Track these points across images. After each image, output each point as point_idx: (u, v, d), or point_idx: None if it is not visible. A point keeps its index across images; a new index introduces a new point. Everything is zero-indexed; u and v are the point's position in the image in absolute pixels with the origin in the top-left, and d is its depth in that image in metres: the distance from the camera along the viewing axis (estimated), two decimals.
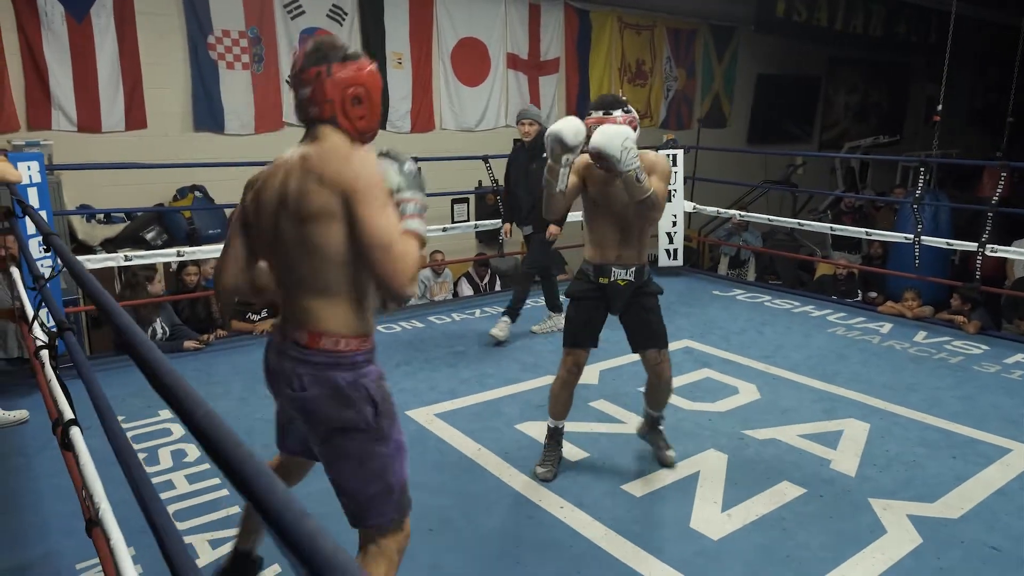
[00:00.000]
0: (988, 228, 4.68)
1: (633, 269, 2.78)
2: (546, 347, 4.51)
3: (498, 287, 6.52)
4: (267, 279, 1.72)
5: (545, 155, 4.06)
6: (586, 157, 2.73)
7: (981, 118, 10.04)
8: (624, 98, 2.76)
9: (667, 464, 2.97)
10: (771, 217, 6.28)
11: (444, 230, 5.86)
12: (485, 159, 5.59)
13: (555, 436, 2.97)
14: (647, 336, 2.81)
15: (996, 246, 4.75)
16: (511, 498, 2.80)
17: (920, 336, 4.72)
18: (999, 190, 4.69)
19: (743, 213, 6.45)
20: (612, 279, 2.77)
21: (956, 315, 4.96)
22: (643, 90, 8.68)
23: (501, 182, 6.04)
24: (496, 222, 5.98)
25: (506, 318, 4.65)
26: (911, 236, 5.00)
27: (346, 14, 6.45)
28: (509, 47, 7.48)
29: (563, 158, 2.58)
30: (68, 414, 1.78)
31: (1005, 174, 4.70)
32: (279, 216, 1.55)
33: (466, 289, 6.47)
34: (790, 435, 3.28)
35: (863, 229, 5.81)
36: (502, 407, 3.62)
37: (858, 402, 3.67)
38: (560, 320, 4.48)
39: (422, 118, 6.98)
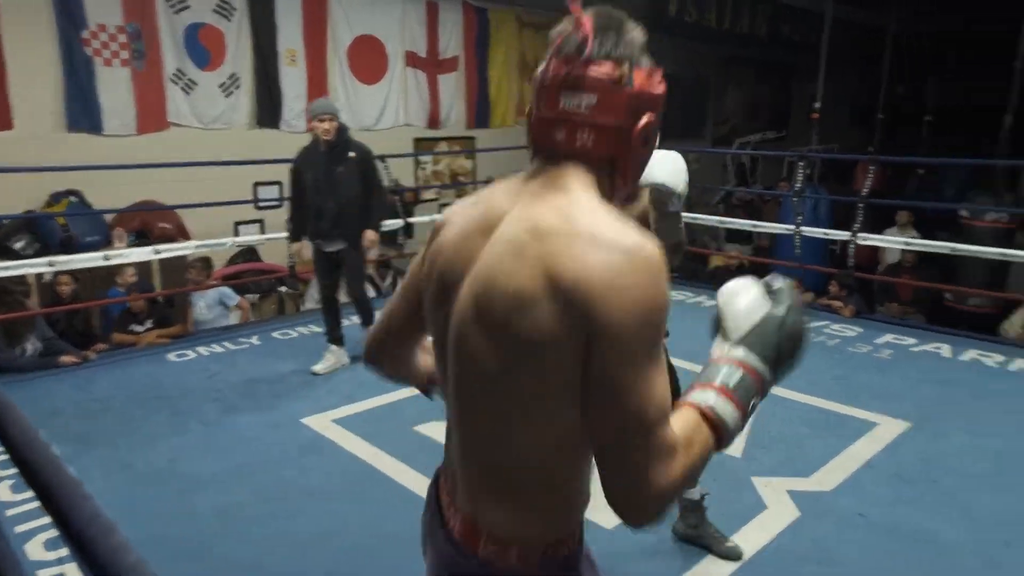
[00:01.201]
0: (860, 218, 5.01)
1: None
2: None
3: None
4: (418, 371, 1.23)
5: (352, 155, 3.96)
6: None
7: (862, 117, 10.72)
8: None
9: (735, 557, 2.38)
10: None
11: None
12: (383, 158, 5.51)
13: None
14: None
15: (867, 234, 5.08)
16: (409, 501, 2.78)
17: None
18: (868, 183, 5.02)
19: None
20: None
21: (834, 300, 5.28)
22: None
23: (393, 182, 5.98)
24: (397, 222, 5.92)
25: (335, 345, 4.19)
26: (792, 227, 5.28)
27: (235, 9, 6.21)
28: (407, 45, 7.40)
29: (667, 205, 2.06)
30: None
31: (874, 168, 5.04)
32: (466, 318, 0.92)
33: (368, 292, 6.37)
34: None
35: (749, 222, 6.09)
36: (401, 409, 3.59)
37: None
38: (344, 355, 4.22)
39: None
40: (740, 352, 0.95)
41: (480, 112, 8.15)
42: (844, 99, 10.52)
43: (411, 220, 5.79)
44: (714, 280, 6.88)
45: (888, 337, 4.66)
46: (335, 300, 4.25)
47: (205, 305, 5.15)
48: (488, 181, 8.27)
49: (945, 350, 4.40)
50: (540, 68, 0.94)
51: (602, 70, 0.90)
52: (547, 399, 0.88)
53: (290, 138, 6.52)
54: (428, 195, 7.85)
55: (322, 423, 3.44)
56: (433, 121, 7.73)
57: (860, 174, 8.26)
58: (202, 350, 4.45)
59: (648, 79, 0.93)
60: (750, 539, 2.48)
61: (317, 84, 6.77)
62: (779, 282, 1.00)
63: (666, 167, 2.01)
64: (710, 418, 0.91)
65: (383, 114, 7.30)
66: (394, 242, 6.29)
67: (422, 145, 7.72)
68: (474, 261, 0.93)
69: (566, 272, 0.83)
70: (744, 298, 0.98)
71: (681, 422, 0.89)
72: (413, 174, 7.73)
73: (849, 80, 10.38)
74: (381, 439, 3.25)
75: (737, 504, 2.71)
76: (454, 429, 1.01)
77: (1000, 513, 2.62)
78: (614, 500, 0.87)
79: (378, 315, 1.21)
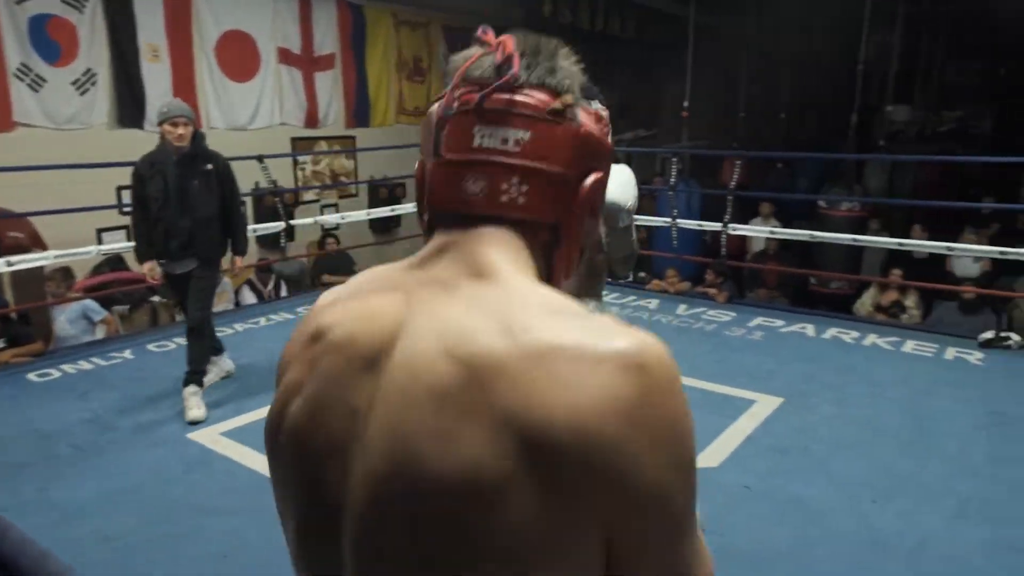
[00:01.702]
0: (729, 210, 5.34)
1: None
2: None
3: (284, 292, 6.25)
4: None
5: (210, 167, 3.50)
6: None
7: (725, 114, 11.41)
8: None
9: None
10: None
11: None
12: (260, 159, 5.31)
13: None
14: None
15: (736, 225, 5.43)
16: None
17: (682, 309, 5.27)
18: (736, 177, 5.36)
19: None
20: None
21: (709, 288, 5.60)
22: (422, 87, 8.73)
23: (271, 183, 5.76)
24: (278, 225, 5.72)
25: (194, 387, 3.52)
26: (669, 220, 5.55)
27: (86, 2, 5.77)
28: (280, 41, 7.13)
29: (617, 220, 1.94)
30: None
31: (740, 162, 5.38)
32: (370, 528, 0.57)
33: (249, 297, 6.11)
34: None
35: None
36: None
37: None
38: (227, 362, 3.96)
39: None
40: None
41: (359, 111, 8.01)
42: (709, 98, 11.16)
43: (293, 223, 5.59)
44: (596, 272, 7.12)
45: (759, 320, 5.00)
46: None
47: (67, 320, 4.77)
48: (370, 180, 8.15)
49: (809, 329, 4.77)
50: (436, 104, 0.67)
51: (537, 97, 0.63)
52: None
53: (155, 139, 6.13)
54: (309, 196, 7.63)
55: (211, 437, 3.28)
56: (311, 120, 7.51)
57: (727, 168, 8.82)
58: (68, 368, 4.11)
59: (597, 124, 0.66)
60: None
61: (183, 82, 6.41)
62: None
63: (613, 181, 1.95)
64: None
65: (257, 113, 7.01)
66: (276, 245, 6.06)
67: (300, 145, 7.49)
68: (361, 422, 0.57)
69: (548, 424, 0.51)
70: None
71: None
72: (292, 175, 7.49)
73: (713, 81, 11.02)
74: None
75: None
76: None
77: (865, 475, 2.89)
78: None
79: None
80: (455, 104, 0.64)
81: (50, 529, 2.55)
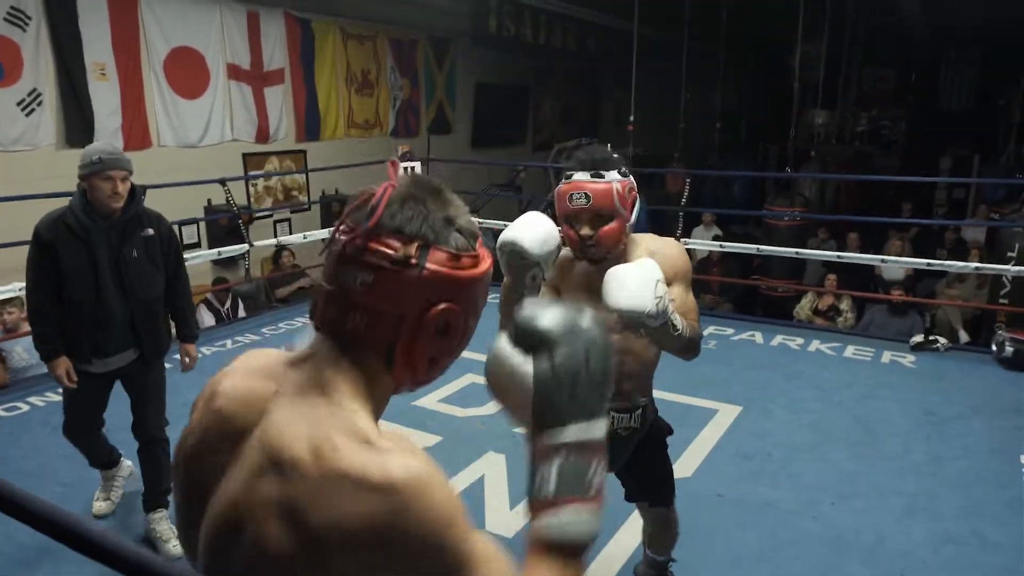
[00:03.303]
0: (681, 226, 5.65)
1: (639, 412, 1.99)
2: None
3: (241, 312, 6.22)
4: None
5: (151, 232, 2.66)
6: (563, 253, 1.87)
7: (660, 121, 11.86)
8: (616, 156, 1.83)
9: None
10: (504, 222, 6.84)
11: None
12: (223, 181, 5.30)
13: None
14: (649, 489, 2.14)
15: (687, 239, 5.75)
16: None
17: None
18: (686, 192, 5.66)
19: (481, 220, 6.91)
20: (613, 428, 1.91)
21: None
22: (371, 100, 8.78)
23: (231, 204, 5.73)
24: (242, 247, 5.66)
25: (163, 511, 2.87)
26: None
27: (29, 18, 5.61)
28: (229, 57, 7.07)
29: (527, 276, 1.75)
30: None
31: (689, 180, 5.70)
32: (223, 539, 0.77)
33: (207, 318, 6.07)
34: None
35: None
36: None
37: None
38: (124, 470, 3.07)
39: (135, 134, 6.34)
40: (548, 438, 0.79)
41: (310, 124, 8.00)
42: (648, 108, 11.57)
43: (256, 244, 5.60)
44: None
45: (711, 328, 5.29)
46: (100, 430, 2.92)
47: (24, 349, 4.67)
48: (323, 196, 8.16)
49: (758, 337, 5.10)
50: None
51: (383, 246, 0.76)
52: None
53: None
54: (261, 210, 7.58)
55: None
56: (262, 135, 7.47)
57: (672, 180, 9.21)
58: (36, 400, 4.05)
59: (452, 261, 0.78)
60: (630, 531, 2.80)
61: (132, 99, 6.30)
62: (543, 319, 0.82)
63: (526, 233, 1.73)
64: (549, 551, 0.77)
65: (208, 130, 6.94)
66: (234, 264, 6.04)
67: (251, 160, 7.44)
68: (220, 476, 0.78)
69: (327, 526, 0.68)
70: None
71: None
72: (245, 191, 7.43)
73: (652, 91, 11.44)
74: None
75: (614, 500, 3.03)
76: None
77: (822, 477, 3.18)
78: None
79: None
80: (332, 241, 0.81)
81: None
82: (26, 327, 4.54)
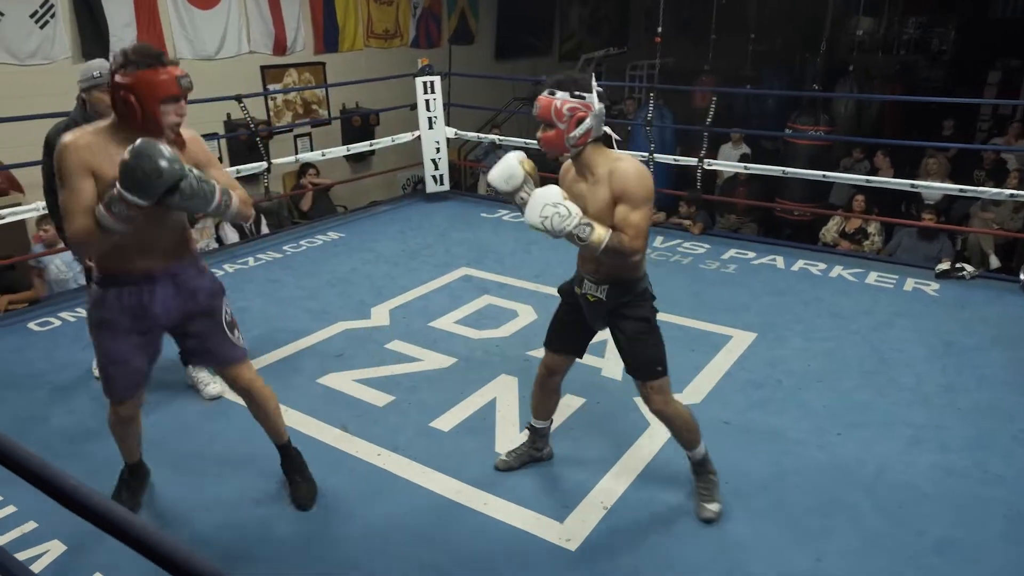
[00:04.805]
0: (705, 146, 5.49)
1: (606, 288, 2.35)
2: (331, 293, 4.53)
3: (265, 229, 6.27)
4: None
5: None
6: (566, 164, 2.38)
7: (689, 28, 11.32)
8: (590, 76, 2.23)
9: (700, 518, 2.51)
10: (526, 141, 6.69)
11: None
12: (239, 98, 5.24)
13: (531, 432, 2.80)
14: (628, 365, 2.44)
15: (711, 160, 5.60)
16: (324, 453, 2.92)
17: (658, 241, 5.47)
18: (711, 112, 5.47)
19: (501, 138, 6.77)
20: (583, 291, 2.41)
21: (684, 219, 5.80)
22: (390, 8, 8.50)
23: (250, 120, 5.62)
24: (260, 165, 5.62)
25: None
26: (646, 154, 5.67)
27: None
28: None
29: (516, 199, 2.23)
30: None
31: (716, 98, 5.49)
32: None
33: (232, 234, 6.14)
34: None
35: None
36: (299, 363, 3.65)
37: None
38: None
39: None
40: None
41: (328, 35, 7.81)
42: (677, 15, 11.03)
43: (275, 161, 5.57)
44: None
45: (732, 252, 5.23)
46: None
47: (63, 263, 4.77)
48: (343, 109, 8.04)
49: (779, 261, 5.03)
50: None
51: None
52: None
53: None
54: (282, 124, 7.51)
55: (223, 384, 3.43)
56: (279, 47, 7.33)
57: (701, 99, 8.88)
58: (67, 316, 4.18)
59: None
60: (641, 454, 2.87)
61: (146, 11, 6.19)
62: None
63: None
64: None
65: (224, 42, 6.82)
66: (255, 181, 6.05)
67: (270, 73, 7.33)
68: None
69: None
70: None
71: None
72: (264, 105, 7.36)
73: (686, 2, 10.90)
74: (286, 395, 3.29)
75: (624, 423, 3.09)
76: None
77: (832, 407, 3.20)
78: None
79: None
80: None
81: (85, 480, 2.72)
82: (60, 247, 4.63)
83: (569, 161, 2.35)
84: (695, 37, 10.74)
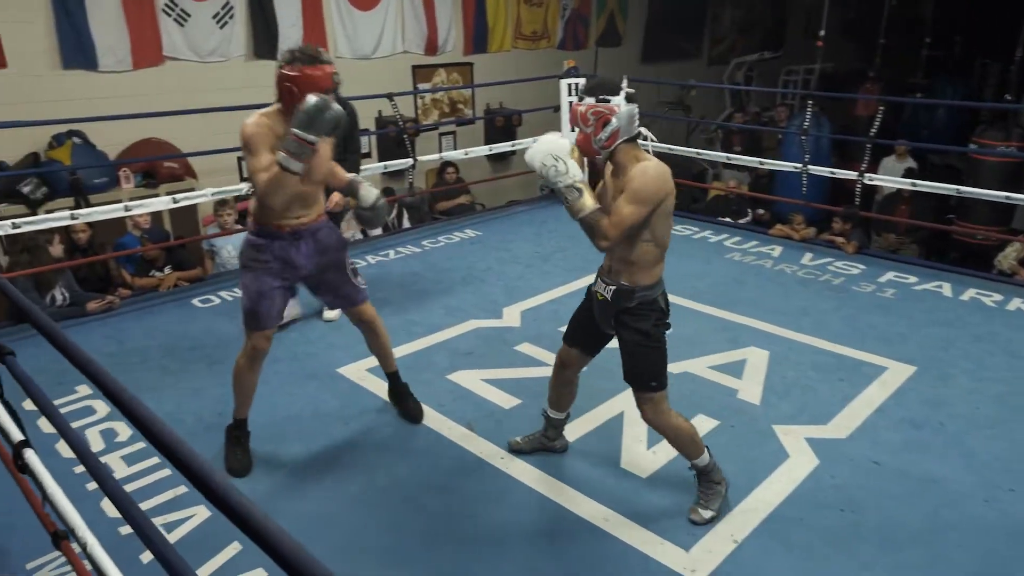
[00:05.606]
0: (867, 159, 5.08)
1: (613, 289, 2.39)
2: (465, 291, 4.60)
3: (406, 223, 6.48)
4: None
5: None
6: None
7: (854, 30, 10.57)
8: (621, 82, 2.32)
9: (688, 518, 2.52)
10: (670, 147, 6.51)
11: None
12: (390, 96, 5.43)
13: (545, 420, 2.86)
14: (624, 371, 2.47)
15: (872, 175, 5.17)
16: (450, 449, 2.94)
17: (807, 258, 5.14)
18: (877, 123, 5.06)
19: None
20: (595, 288, 2.49)
21: (837, 236, 5.41)
22: (540, 10, 8.54)
23: (400, 118, 5.81)
24: (407, 162, 5.80)
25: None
26: (799, 166, 5.34)
27: None
28: None
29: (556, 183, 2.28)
30: (17, 435, 1.73)
31: (883, 108, 5.07)
32: None
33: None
34: (700, 367, 3.56)
35: (755, 159, 6.13)
36: (431, 357, 3.72)
37: (757, 329, 4.00)
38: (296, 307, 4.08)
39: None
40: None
41: (478, 36, 7.96)
42: (838, 16, 10.37)
43: (420, 159, 5.73)
44: (715, 209, 6.98)
45: (890, 275, 4.82)
46: None
47: (234, 248, 5.11)
48: (487, 110, 8.18)
49: (946, 288, 4.57)
50: None
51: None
52: None
53: None
54: (426, 126, 7.74)
55: (358, 373, 3.56)
56: (431, 47, 7.55)
57: (864, 107, 8.28)
58: (225, 295, 4.50)
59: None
60: (777, 488, 2.68)
61: (312, 12, 6.56)
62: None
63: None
64: None
65: (381, 42, 7.11)
66: (400, 176, 6.26)
67: (420, 73, 7.57)
68: None
69: None
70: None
71: None
72: (413, 103, 7.61)
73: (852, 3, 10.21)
74: (416, 389, 3.35)
75: (760, 451, 2.91)
76: None
77: (1004, 459, 2.84)
78: None
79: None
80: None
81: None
82: (239, 228, 4.92)
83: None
84: (861, 40, 10.03)
